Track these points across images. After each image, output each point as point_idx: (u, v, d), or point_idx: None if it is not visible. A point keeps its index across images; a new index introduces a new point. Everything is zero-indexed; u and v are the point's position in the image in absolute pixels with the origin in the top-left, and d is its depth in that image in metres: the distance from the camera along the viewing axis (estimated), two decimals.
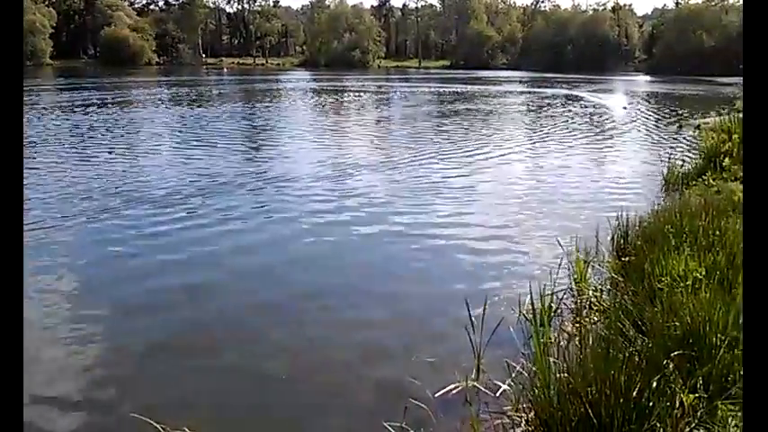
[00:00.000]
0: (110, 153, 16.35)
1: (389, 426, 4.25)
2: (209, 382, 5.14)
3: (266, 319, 6.36)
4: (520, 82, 65.29)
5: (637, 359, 3.97)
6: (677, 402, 3.67)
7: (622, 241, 7.56)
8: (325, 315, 6.45)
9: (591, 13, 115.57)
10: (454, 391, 4.80)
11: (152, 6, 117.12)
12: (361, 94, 44.24)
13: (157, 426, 4.20)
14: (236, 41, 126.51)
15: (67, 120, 24.19)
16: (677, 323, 4.41)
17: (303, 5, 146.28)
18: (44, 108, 28.51)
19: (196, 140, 19.13)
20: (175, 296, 6.88)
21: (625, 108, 27.44)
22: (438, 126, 24.21)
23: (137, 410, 4.40)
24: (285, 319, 6.37)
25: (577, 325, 5.62)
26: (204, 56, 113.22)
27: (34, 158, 15.00)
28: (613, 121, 26.92)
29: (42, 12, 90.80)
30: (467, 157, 16.40)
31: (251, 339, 5.92)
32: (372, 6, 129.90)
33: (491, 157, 16.45)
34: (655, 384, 3.70)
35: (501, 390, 4.73)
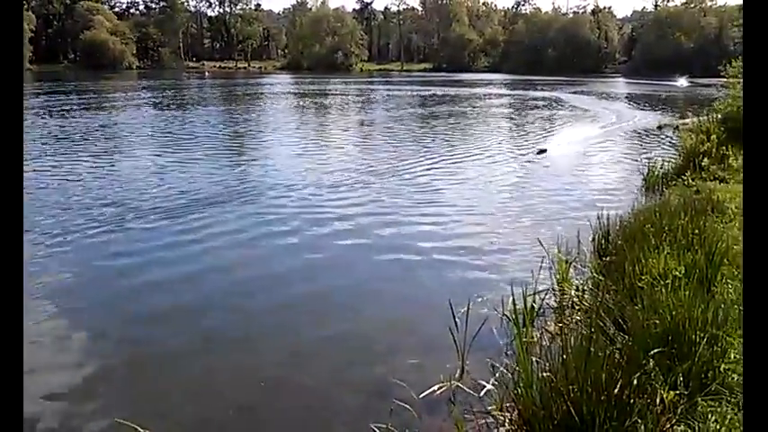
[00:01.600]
0: (90, 161, 15.94)
1: (375, 427, 4.27)
2: (196, 386, 5.12)
3: (249, 323, 6.36)
4: (501, 84, 65.62)
5: (618, 357, 4.01)
6: (658, 399, 3.71)
7: (604, 241, 7.62)
8: (308, 318, 6.46)
9: (571, 15, 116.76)
10: (439, 392, 4.82)
11: (132, 10, 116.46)
12: (346, 97, 44.29)
13: (141, 431, 4.18)
14: (218, 45, 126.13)
15: (46, 125, 23.87)
16: (657, 321, 4.47)
17: (285, 9, 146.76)
18: (25, 113, 28.19)
19: (179, 148, 18.75)
20: (163, 307, 6.80)
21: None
22: (420, 129, 24.32)
23: (121, 416, 4.38)
24: (267, 323, 6.37)
25: (560, 324, 5.66)
26: (186, 60, 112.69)
27: None
28: (593, 123, 27.11)
29: None
30: (448, 160, 16.44)
31: (234, 343, 5.90)
32: (354, 9, 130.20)
33: (472, 160, 16.52)
34: (636, 382, 3.73)
35: (485, 390, 4.77)
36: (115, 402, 4.84)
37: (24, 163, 15.28)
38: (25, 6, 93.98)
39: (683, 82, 64.53)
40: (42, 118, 26.44)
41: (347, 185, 12.86)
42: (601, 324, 4.73)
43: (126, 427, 4.23)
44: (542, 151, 17.86)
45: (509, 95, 46.57)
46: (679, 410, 3.76)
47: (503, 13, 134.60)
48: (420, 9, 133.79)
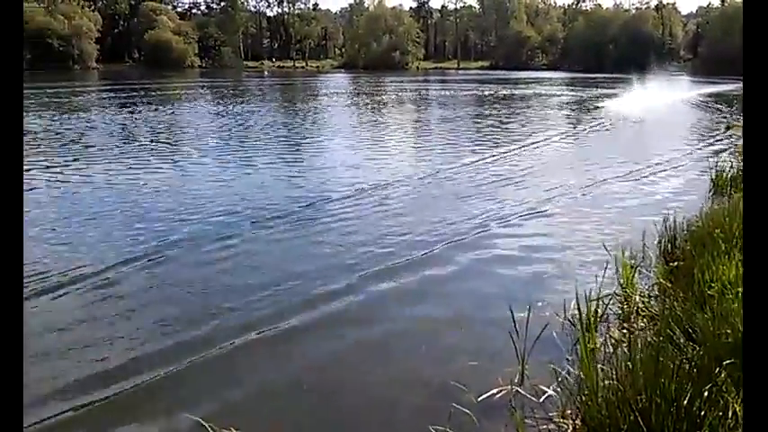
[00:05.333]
0: (151, 163, 16.10)
1: (434, 429, 4.25)
2: (254, 386, 5.16)
3: (307, 324, 6.37)
4: (562, 83, 64.59)
5: (688, 367, 3.89)
6: (730, 412, 3.58)
7: (670, 246, 7.40)
8: (367, 321, 6.44)
9: (633, 11, 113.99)
10: (498, 396, 4.76)
11: (194, 11, 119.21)
12: (407, 96, 44.40)
13: (205, 424, 4.25)
14: (277, 44, 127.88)
15: (108, 125, 24.65)
16: (729, 331, 4.30)
17: (342, 8, 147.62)
18: (86, 110, 29.32)
19: (244, 151, 18.41)
20: (230, 308, 6.91)
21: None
22: (483, 130, 24.02)
23: (185, 409, 4.48)
24: (325, 323, 6.36)
25: (624, 331, 5.53)
26: (245, 59, 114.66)
27: (62, 171, 15.24)
28: (658, 123, 26.45)
29: (88, 16, 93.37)
30: (511, 162, 16.26)
31: (292, 345, 5.94)
32: (411, 8, 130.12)
33: (536, 162, 16.34)
34: (706, 394, 3.61)
35: (546, 395, 4.68)
36: (179, 397, 4.94)
37: (92, 162, 15.85)
38: (92, 7, 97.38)
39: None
40: (108, 115, 27.38)
41: (408, 184, 12.90)
42: (669, 332, 4.59)
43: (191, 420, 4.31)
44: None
45: (571, 95, 45.67)
46: None
47: (562, 10, 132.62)
48: (477, 6, 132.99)
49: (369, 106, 36.07)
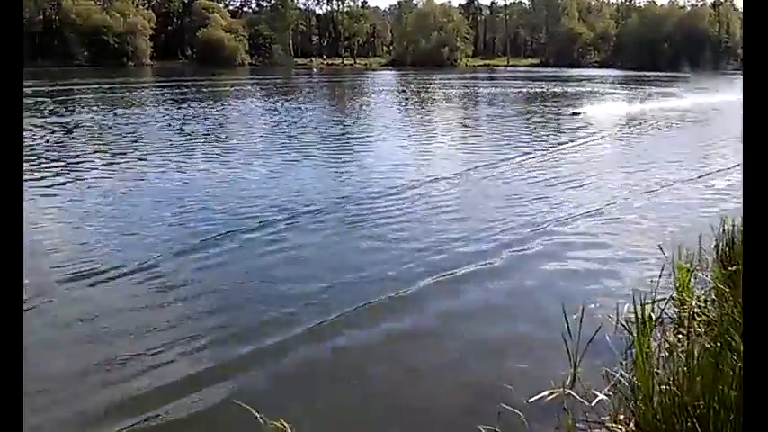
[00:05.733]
0: (205, 159, 16.41)
1: (483, 429, 4.24)
2: (304, 380, 5.24)
3: (357, 325, 6.40)
4: (615, 81, 63.43)
5: None
6: None
7: (727, 249, 7.20)
8: (418, 322, 6.42)
9: (689, 8, 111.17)
10: (549, 398, 4.72)
11: (245, 9, 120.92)
12: (455, 92, 44.18)
13: (256, 414, 4.32)
14: (326, 42, 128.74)
15: (163, 121, 25.30)
16: None
17: (391, 5, 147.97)
18: (141, 106, 30.07)
19: (295, 148, 18.43)
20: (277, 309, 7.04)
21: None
22: (536, 129, 23.74)
23: (237, 397, 4.57)
24: (376, 323, 6.35)
25: (680, 336, 5.42)
26: (294, 56, 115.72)
27: (116, 165, 15.62)
28: (717, 124, 25.75)
29: (143, 14, 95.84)
30: (564, 161, 16.12)
31: (343, 346, 5.97)
32: (460, 4, 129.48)
33: (589, 161, 16.16)
34: None
35: (597, 399, 4.62)
36: (233, 386, 5.03)
37: (147, 157, 16.24)
38: (146, 5, 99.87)
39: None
40: (162, 111, 28.04)
41: (461, 183, 12.92)
42: (728, 338, 4.48)
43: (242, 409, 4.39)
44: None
45: (625, 94, 44.74)
46: None
47: (615, 6, 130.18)
48: (528, 3, 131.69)
49: (418, 103, 36.10)
